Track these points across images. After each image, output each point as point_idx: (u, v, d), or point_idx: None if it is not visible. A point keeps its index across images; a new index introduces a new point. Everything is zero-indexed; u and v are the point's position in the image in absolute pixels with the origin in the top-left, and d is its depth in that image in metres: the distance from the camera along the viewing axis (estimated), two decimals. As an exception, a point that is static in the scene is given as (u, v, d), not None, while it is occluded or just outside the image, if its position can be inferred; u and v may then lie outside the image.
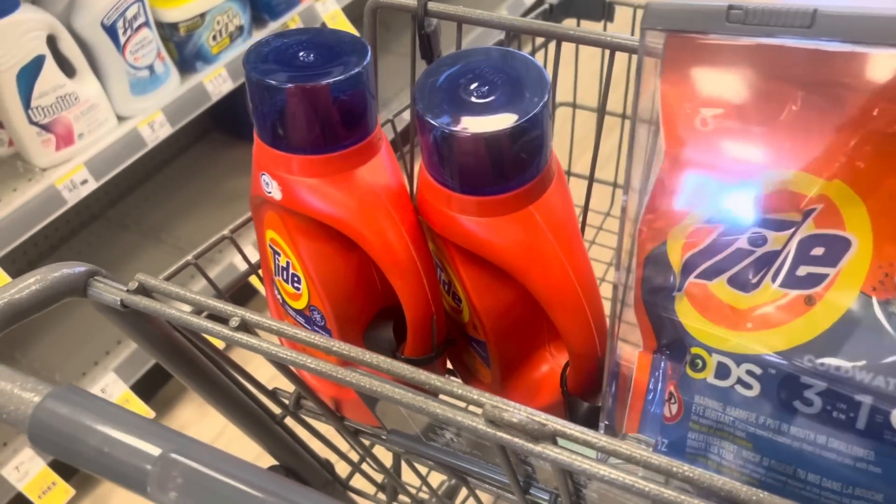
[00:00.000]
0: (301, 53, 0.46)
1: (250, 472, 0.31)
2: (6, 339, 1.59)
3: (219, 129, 2.07)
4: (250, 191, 0.53)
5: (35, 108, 1.20)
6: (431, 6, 0.54)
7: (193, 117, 1.48)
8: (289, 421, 0.64)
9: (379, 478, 0.80)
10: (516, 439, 0.36)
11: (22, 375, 0.35)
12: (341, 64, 0.45)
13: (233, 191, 1.91)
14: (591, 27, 0.90)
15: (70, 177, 1.25)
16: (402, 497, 0.84)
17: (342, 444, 0.68)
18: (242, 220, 0.58)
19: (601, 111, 0.57)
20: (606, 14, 0.92)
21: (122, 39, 1.29)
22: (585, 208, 0.72)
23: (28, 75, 1.17)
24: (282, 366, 0.49)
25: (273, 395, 0.60)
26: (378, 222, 0.47)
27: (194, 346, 0.55)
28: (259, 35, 1.58)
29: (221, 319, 0.43)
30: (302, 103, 0.44)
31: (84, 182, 1.27)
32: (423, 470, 0.75)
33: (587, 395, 0.50)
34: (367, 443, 0.64)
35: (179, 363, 0.54)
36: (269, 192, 0.48)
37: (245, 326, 0.42)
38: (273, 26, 1.60)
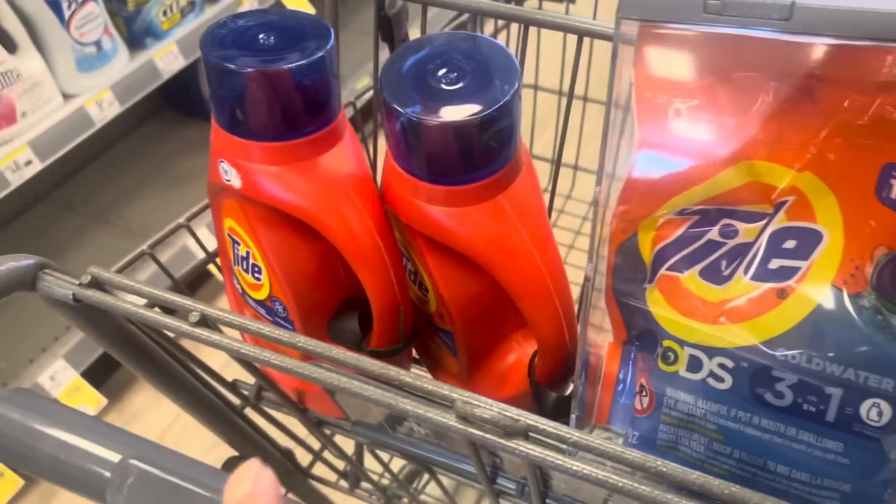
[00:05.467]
0: (261, 36, 0.44)
1: (214, 476, 0.30)
2: (-52, 326, 1.53)
3: (170, 106, 2.02)
4: (208, 178, 0.51)
5: (-26, 85, 1.14)
6: (394, -14, 0.53)
7: (144, 95, 1.43)
8: (248, 411, 0.63)
9: (340, 465, 0.80)
10: (488, 435, 0.35)
11: (-32, 378, 0.33)
12: (303, 47, 0.44)
13: (184, 170, 1.86)
14: (552, 8, 0.89)
15: (13, 157, 1.20)
16: (364, 484, 0.83)
17: (302, 432, 0.67)
18: (199, 207, 0.56)
19: (569, 97, 0.56)
20: (567, -4, 0.92)
21: (67, 13, 1.23)
22: (552, 193, 0.71)
23: (-35, 51, 1.12)
24: (244, 360, 0.47)
25: (233, 386, 0.59)
26: (342, 211, 0.45)
27: (149, 339, 0.53)
28: (211, 11, 1.53)
29: (178, 311, 0.42)
30: (262, 88, 0.42)
31: (28, 163, 1.22)
32: (385, 456, 0.74)
33: (555, 385, 0.50)
34: (329, 432, 0.63)
35: (134, 356, 0.52)
36: (229, 181, 0.46)
37: (205, 321, 0.41)
38: (226, 2, 1.56)
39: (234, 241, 0.52)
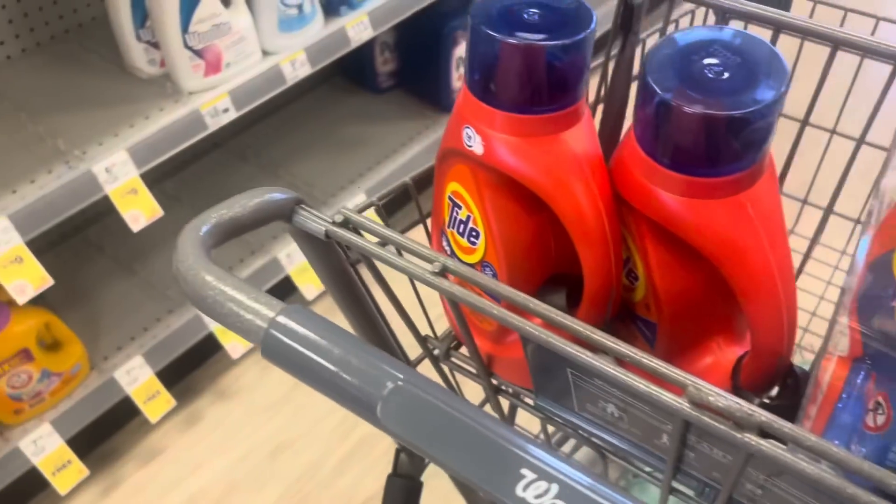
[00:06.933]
0: (528, 11, 0.46)
1: (474, 410, 0.32)
2: (129, 253, 1.67)
3: (343, 74, 2.10)
4: (441, 142, 0.53)
5: (192, 33, 1.24)
6: (647, -23, 0.53)
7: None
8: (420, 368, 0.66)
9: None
10: (721, 425, 0.36)
11: (257, 290, 0.37)
12: (566, 27, 0.45)
13: (350, 137, 1.94)
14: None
15: (214, 103, 1.29)
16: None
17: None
18: (423, 169, 0.59)
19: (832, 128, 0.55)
20: (784, 5, 0.89)
21: (278, -25, 1.31)
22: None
23: (190, 1, 1.21)
24: (459, 318, 0.50)
25: (424, 340, 0.62)
26: (576, 189, 0.47)
27: (361, 283, 0.57)
28: (405, -13, 1.58)
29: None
30: (522, 61, 0.44)
31: (226, 110, 1.31)
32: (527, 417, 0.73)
33: (757, 391, 0.50)
34: (505, 401, 0.65)
35: (343, 292, 0.56)
36: (470, 146, 0.49)
37: (444, 272, 0.43)
38: (417, -21, 1.60)
39: (456, 205, 0.54)
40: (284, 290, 1.68)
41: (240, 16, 1.30)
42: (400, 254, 0.46)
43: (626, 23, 0.56)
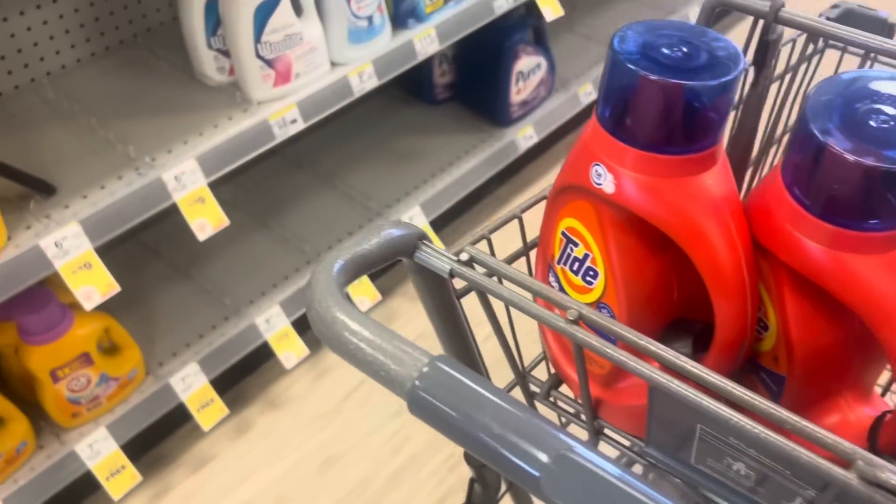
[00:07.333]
0: (671, 47, 0.44)
1: (649, 488, 0.30)
2: (185, 258, 1.67)
3: (400, 84, 2.09)
4: (560, 177, 0.51)
5: (264, 43, 1.23)
6: (785, 13, 0.51)
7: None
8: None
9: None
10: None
11: (400, 337, 0.35)
12: (711, 67, 0.43)
13: (404, 149, 1.92)
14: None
15: (282, 114, 1.29)
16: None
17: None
18: (533, 200, 0.57)
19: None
20: (887, 34, 0.85)
21: (352, -14, 1.30)
22: None
23: (264, 11, 1.21)
24: (581, 365, 0.47)
25: (524, 377, 0.60)
26: (715, 235, 0.44)
27: (464, 318, 0.55)
28: (470, 1, 1.57)
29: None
30: (673, 100, 0.42)
31: (294, 121, 1.31)
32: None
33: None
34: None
35: (447, 322, 0.54)
36: (599, 184, 0.47)
37: (579, 320, 0.41)
38: (485, -7, 1.59)
39: (571, 242, 0.52)
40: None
41: (311, 26, 1.30)
42: (500, 282, 0.44)
43: (761, 58, 0.54)
